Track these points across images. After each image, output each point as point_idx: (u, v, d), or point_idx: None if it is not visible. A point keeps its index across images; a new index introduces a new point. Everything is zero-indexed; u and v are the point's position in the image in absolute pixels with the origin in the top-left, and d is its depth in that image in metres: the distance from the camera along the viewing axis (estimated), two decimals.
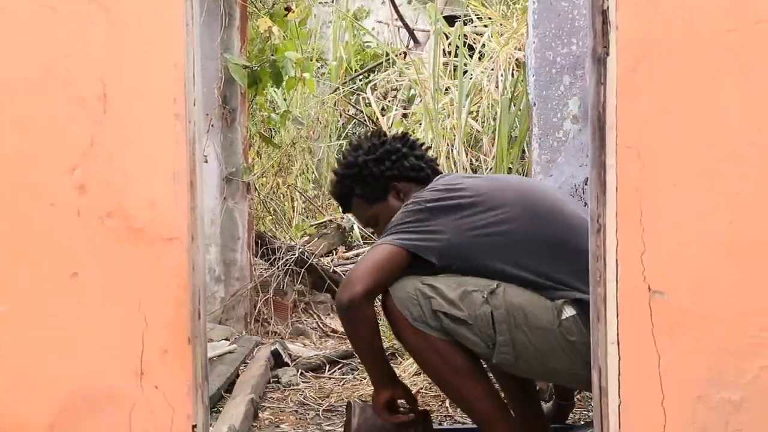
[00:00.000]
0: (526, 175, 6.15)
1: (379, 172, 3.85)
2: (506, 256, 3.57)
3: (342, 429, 3.83)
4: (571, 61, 5.53)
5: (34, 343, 2.91)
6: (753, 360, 2.91)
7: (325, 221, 7.75)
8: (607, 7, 2.88)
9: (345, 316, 3.54)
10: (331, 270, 6.71)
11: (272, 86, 6.63)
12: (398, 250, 3.52)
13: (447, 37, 8.20)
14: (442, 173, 3.94)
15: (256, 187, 6.66)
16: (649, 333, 2.91)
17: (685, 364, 2.92)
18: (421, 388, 4.91)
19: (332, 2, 10.88)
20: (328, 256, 7.41)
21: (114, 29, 2.89)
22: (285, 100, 7.32)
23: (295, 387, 5.16)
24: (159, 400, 2.92)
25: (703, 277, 2.91)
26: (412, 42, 9.75)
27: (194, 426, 2.94)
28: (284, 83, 6.18)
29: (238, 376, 5.11)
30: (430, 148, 4.28)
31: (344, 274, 6.82)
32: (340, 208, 4.15)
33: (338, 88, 9.17)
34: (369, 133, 4.03)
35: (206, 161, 5.77)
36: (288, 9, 6.06)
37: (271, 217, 7.18)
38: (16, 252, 2.90)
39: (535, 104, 5.61)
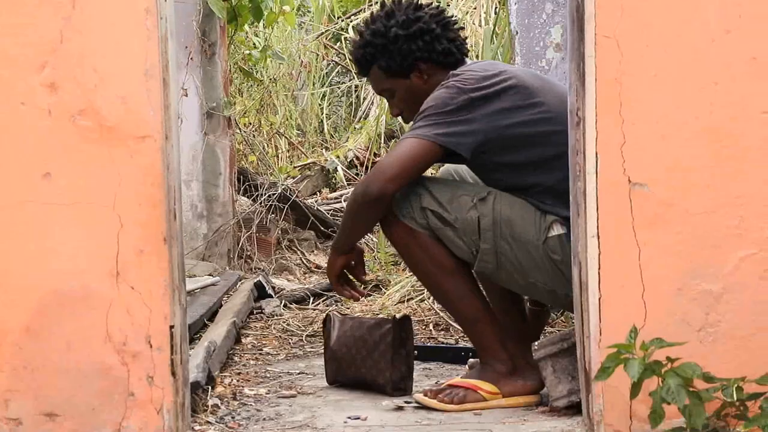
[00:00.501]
0: None
1: (408, 49, 3.59)
2: (534, 159, 3.51)
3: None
4: None
5: (7, 245, 2.88)
6: (733, 251, 2.89)
7: (308, 163, 7.73)
8: None
9: (368, 205, 3.44)
10: (315, 208, 6.68)
11: (252, 23, 6.57)
12: (432, 146, 3.40)
13: None
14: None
15: (238, 125, 6.61)
16: (629, 226, 2.89)
17: (666, 256, 2.89)
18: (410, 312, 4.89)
19: None
20: (312, 197, 7.38)
21: None
22: (265, 39, 7.26)
23: (279, 316, 5.14)
24: (136, 300, 2.89)
25: (684, 168, 2.88)
26: None
27: (172, 326, 2.91)
28: (264, 17, 6.14)
29: (221, 306, 5.09)
30: (463, 29, 4.07)
31: (328, 213, 6.81)
32: (356, 69, 3.92)
33: (321, 34, 9.10)
34: (406, 2, 3.67)
35: (186, 95, 5.72)
36: None
37: (254, 156, 7.14)
38: None
39: (517, 33, 5.55)
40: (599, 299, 2.89)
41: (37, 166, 2.86)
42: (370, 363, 3.58)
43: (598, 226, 2.89)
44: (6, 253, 2.88)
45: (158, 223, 2.88)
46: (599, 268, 2.89)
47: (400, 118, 4.19)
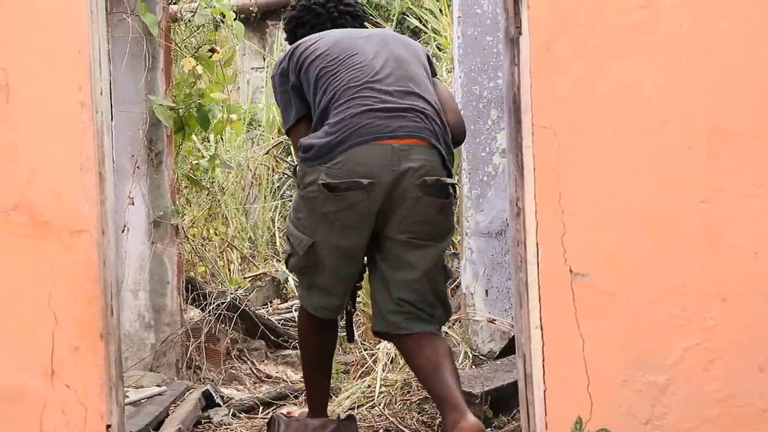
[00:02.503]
0: (457, 213, 6.12)
1: None
2: None
3: None
4: (498, 95, 5.53)
5: None
6: (676, 341, 2.87)
7: (259, 274, 7.68)
8: None
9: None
10: (265, 318, 6.61)
11: (199, 132, 6.58)
12: None
13: None
14: None
15: (186, 235, 6.57)
16: (572, 316, 2.87)
17: (609, 347, 2.88)
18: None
19: (264, 68, 10.90)
20: (263, 307, 7.32)
21: (13, 17, 2.84)
22: (215, 148, 7.27)
23: (227, 426, 5.03)
24: (71, 399, 2.83)
25: (624, 257, 2.88)
26: None
27: (108, 426, 2.84)
28: (212, 126, 6.14)
29: (168, 416, 4.98)
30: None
31: (278, 323, 6.74)
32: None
33: (272, 147, 9.13)
34: None
35: (132, 204, 5.68)
36: (212, 50, 6.04)
37: (203, 266, 7.08)
38: None
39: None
40: (544, 392, 2.86)
41: None
42: None
43: (541, 318, 2.87)
44: None
45: (94, 319, 2.84)
46: (543, 360, 2.87)
47: None
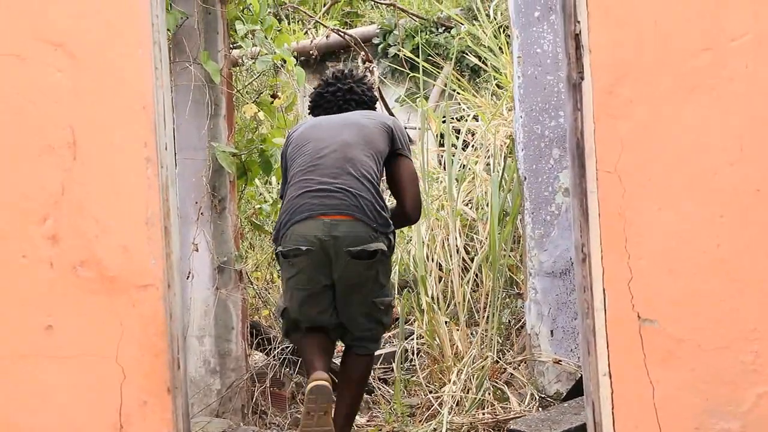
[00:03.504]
0: (521, 253, 6.09)
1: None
2: None
3: None
4: (560, 134, 5.51)
5: (9, 398, 2.84)
6: (750, 387, 2.82)
7: None
8: (580, 31, 2.86)
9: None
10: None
11: (261, 176, 6.62)
12: None
13: (441, 136, 8.25)
14: None
15: (250, 279, 6.59)
16: (641, 363, 2.83)
17: (681, 394, 2.83)
18: None
19: None
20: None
21: (81, 75, 2.87)
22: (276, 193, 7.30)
23: None
24: None
25: (693, 302, 2.84)
26: None
27: None
28: (274, 171, 6.16)
29: None
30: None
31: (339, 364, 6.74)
32: None
33: None
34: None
35: (197, 250, 5.71)
36: (274, 96, 6.07)
37: (267, 310, 7.08)
38: None
39: (525, 179, 5.57)
40: None
41: (38, 319, 2.85)
42: None
43: (609, 364, 2.83)
44: (7, 408, 2.84)
45: (161, 373, 2.84)
46: (612, 408, 2.83)
47: None
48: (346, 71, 5.10)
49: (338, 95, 5.01)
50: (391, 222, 4.60)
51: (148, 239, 2.86)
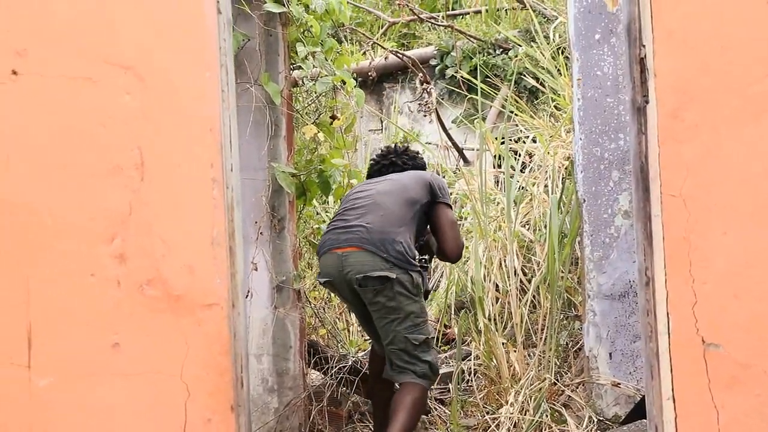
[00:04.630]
0: (579, 275, 6.07)
1: None
2: None
3: None
4: (619, 156, 5.50)
5: (76, 415, 2.88)
6: None
7: None
8: (645, 55, 2.86)
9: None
10: None
11: (320, 196, 6.66)
12: None
13: (499, 158, 8.25)
14: None
15: (307, 298, 6.62)
16: (705, 388, 2.82)
17: (746, 419, 2.81)
18: None
19: (382, 130, 10.98)
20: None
21: (149, 98, 2.91)
22: (335, 208, 7.34)
23: None
24: None
25: (759, 327, 2.82)
26: (462, 161, 9.79)
27: None
28: (332, 191, 6.20)
29: None
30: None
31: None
32: None
33: None
34: None
35: (256, 269, 5.74)
36: (333, 117, 6.11)
37: (324, 329, 7.11)
38: (57, 323, 2.89)
39: (584, 201, 5.56)
40: None
41: (105, 337, 2.88)
42: None
43: (673, 389, 2.82)
44: (75, 425, 2.88)
45: (225, 391, 2.87)
46: None
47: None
48: (391, 147, 5.73)
49: (384, 162, 5.62)
50: (417, 260, 5.00)
51: (213, 259, 2.89)
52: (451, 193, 8.09)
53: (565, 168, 7.13)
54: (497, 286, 6.61)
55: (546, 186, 7.30)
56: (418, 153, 5.71)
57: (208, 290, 2.88)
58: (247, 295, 5.62)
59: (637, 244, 2.99)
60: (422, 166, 5.61)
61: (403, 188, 5.18)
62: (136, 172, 2.89)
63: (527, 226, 7.35)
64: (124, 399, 2.87)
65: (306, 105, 6.46)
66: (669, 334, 2.83)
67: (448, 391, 6.37)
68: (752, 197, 2.83)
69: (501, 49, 9.91)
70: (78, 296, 2.88)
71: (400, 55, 9.22)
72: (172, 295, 2.88)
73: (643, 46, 2.87)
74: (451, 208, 5.20)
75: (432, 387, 4.88)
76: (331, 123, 6.14)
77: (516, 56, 8.99)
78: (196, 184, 2.89)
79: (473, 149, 9.81)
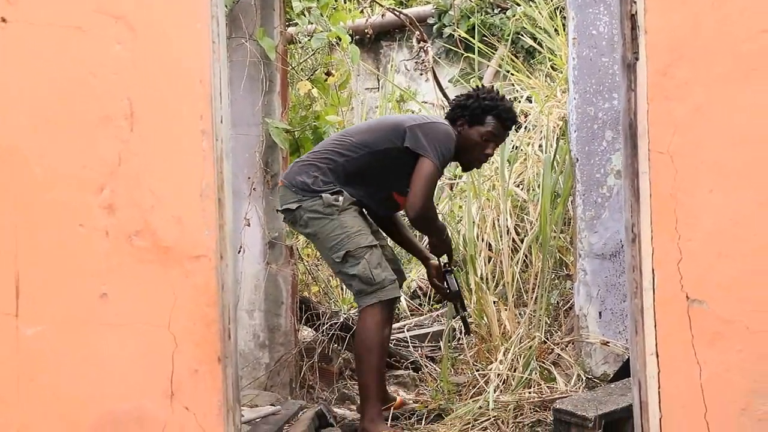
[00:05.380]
0: (571, 234, 6.09)
1: None
2: None
3: None
4: (613, 116, 5.50)
5: (64, 364, 2.90)
6: None
7: None
8: (636, 12, 2.86)
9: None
10: None
11: None
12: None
13: None
14: None
15: (300, 255, 6.64)
16: (689, 343, 2.84)
17: (728, 375, 2.83)
18: None
19: (378, 89, 10.96)
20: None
21: (140, 48, 2.91)
22: None
23: None
24: (190, 421, 2.88)
25: (743, 284, 2.84)
26: None
27: None
28: None
29: None
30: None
31: (390, 343, 6.77)
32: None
33: None
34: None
35: (248, 225, 5.76)
36: (328, 73, 6.10)
37: (317, 286, 7.13)
38: (46, 273, 2.90)
39: (577, 160, 5.57)
40: (660, 420, 2.83)
41: (94, 287, 2.89)
42: None
43: (656, 344, 2.84)
44: (62, 373, 2.89)
45: (213, 342, 2.88)
46: (659, 388, 2.84)
47: None
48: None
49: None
50: (322, 181, 4.89)
51: (202, 211, 2.89)
52: None
53: (560, 128, 7.12)
54: (490, 245, 6.62)
55: (540, 146, 7.30)
56: (487, 98, 5.13)
57: (197, 242, 2.89)
58: (239, 251, 5.64)
59: (625, 200, 3.00)
60: (453, 115, 5.17)
61: (369, 129, 5.05)
62: (126, 123, 2.89)
63: (521, 186, 7.36)
64: (112, 349, 2.89)
65: (301, 61, 6.45)
66: (654, 290, 2.84)
67: (439, 349, 6.40)
68: (740, 156, 2.84)
69: (499, 9, 9.88)
70: (66, 246, 2.89)
71: (398, 13, 9.18)
72: (160, 247, 2.89)
73: (635, 2, 2.87)
74: (435, 163, 4.80)
75: (383, 299, 4.76)
76: (326, 79, 6.13)
77: (514, 16, 8.97)
78: (186, 136, 2.90)
79: None
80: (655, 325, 2.84)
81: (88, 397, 2.89)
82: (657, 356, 2.83)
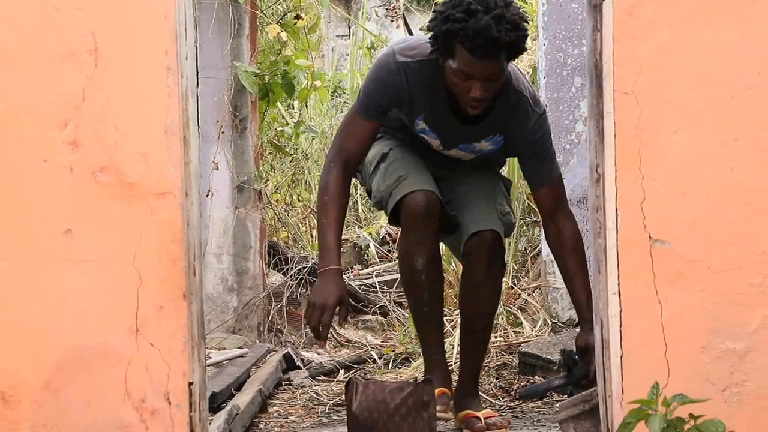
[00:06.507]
0: None
1: None
2: None
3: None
4: (582, 63, 5.51)
5: (28, 300, 2.89)
6: (757, 309, 2.85)
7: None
8: None
9: None
10: (346, 283, 6.66)
11: (284, 99, 6.64)
12: None
13: None
14: None
15: (269, 200, 6.63)
16: (650, 283, 2.86)
17: (689, 314, 2.86)
18: None
19: (349, 35, 10.93)
20: (344, 273, 7.36)
21: None
22: (299, 115, 7.32)
23: (307, 388, 5.10)
24: (155, 357, 2.89)
25: (705, 224, 2.86)
26: None
27: (191, 383, 2.89)
28: (296, 93, 6.20)
29: (249, 377, 5.06)
30: None
31: (359, 289, 6.78)
32: (504, 53, 3.59)
33: None
34: None
35: (217, 169, 5.76)
36: (298, 17, 6.08)
37: (286, 232, 7.14)
38: (9, 209, 2.89)
39: (546, 107, 5.57)
40: (621, 358, 2.86)
41: (58, 223, 2.88)
42: (392, 426, 3.54)
43: (619, 283, 2.86)
44: (26, 309, 2.89)
45: (178, 279, 2.89)
46: (621, 326, 2.86)
47: None
48: None
49: None
50: None
51: (167, 148, 2.88)
52: None
53: (530, 76, 7.12)
54: None
55: None
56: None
57: (162, 178, 2.88)
58: (207, 194, 5.64)
59: (589, 141, 3.02)
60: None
61: None
62: (90, 58, 2.87)
63: None
64: (77, 285, 2.89)
65: (271, 5, 6.41)
66: (617, 230, 2.86)
67: None
68: (704, 96, 2.86)
69: None
70: (30, 182, 2.87)
71: None
72: (125, 183, 2.88)
73: None
74: (354, 107, 3.89)
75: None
76: (296, 23, 6.11)
77: None
78: (151, 72, 2.88)
79: None
80: (618, 265, 2.86)
81: (52, 332, 2.89)
82: (619, 295, 2.86)
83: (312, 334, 3.81)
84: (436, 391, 3.71)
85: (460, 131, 3.84)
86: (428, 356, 4.07)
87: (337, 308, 3.64)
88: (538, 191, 3.90)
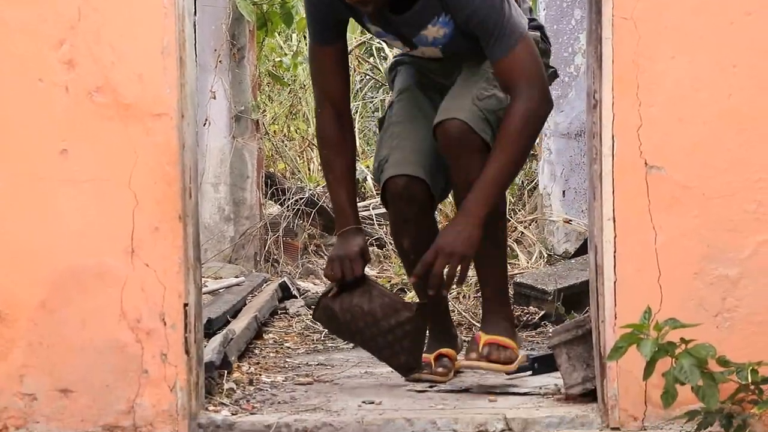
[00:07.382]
0: None
1: None
2: None
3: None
4: None
5: (24, 220, 2.89)
6: (751, 235, 2.86)
7: None
8: None
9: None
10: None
11: (283, 30, 6.61)
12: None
13: None
14: None
15: (267, 131, 6.63)
16: (645, 209, 2.86)
17: (683, 240, 2.87)
18: None
19: None
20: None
21: None
22: (297, 45, 7.27)
23: (303, 315, 5.14)
24: (150, 278, 2.90)
25: (701, 151, 2.86)
26: None
27: (186, 304, 2.91)
28: (295, 23, 6.16)
29: (245, 305, 5.09)
30: None
31: None
32: None
33: (355, 47, 9.10)
34: None
35: (214, 98, 5.75)
36: None
37: (283, 163, 7.15)
38: (4, 128, 2.88)
39: None
40: (614, 283, 2.87)
41: (53, 143, 2.88)
42: (383, 342, 3.50)
43: (614, 209, 2.87)
44: (22, 229, 2.90)
45: (173, 201, 2.89)
46: (615, 252, 2.87)
47: None
48: None
49: None
50: None
51: (163, 68, 2.87)
52: None
53: (529, 8, 7.07)
54: None
55: None
56: None
57: (158, 99, 2.87)
58: (204, 123, 5.64)
59: (587, 67, 3.01)
60: None
61: None
62: None
63: None
64: (72, 205, 2.89)
65: None
66: (613, 156, 2.86)
67: None
68: (702, 22, 2.84)
69: None
70: (25, 101, 2.87)
71: None
72: (121, 104, 2.87)
73: None
74: (311, 41, 3.72)
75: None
76: None
77: None
78: None
79: None
80: (613, 191, 2.86)
81: (48, 252, 2.89)
82: (614, 221, 2.86)
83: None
84: (434, 353, 3.66)
85: (401, 23, 3.50)
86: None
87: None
88: (494, 68, 3.50)
